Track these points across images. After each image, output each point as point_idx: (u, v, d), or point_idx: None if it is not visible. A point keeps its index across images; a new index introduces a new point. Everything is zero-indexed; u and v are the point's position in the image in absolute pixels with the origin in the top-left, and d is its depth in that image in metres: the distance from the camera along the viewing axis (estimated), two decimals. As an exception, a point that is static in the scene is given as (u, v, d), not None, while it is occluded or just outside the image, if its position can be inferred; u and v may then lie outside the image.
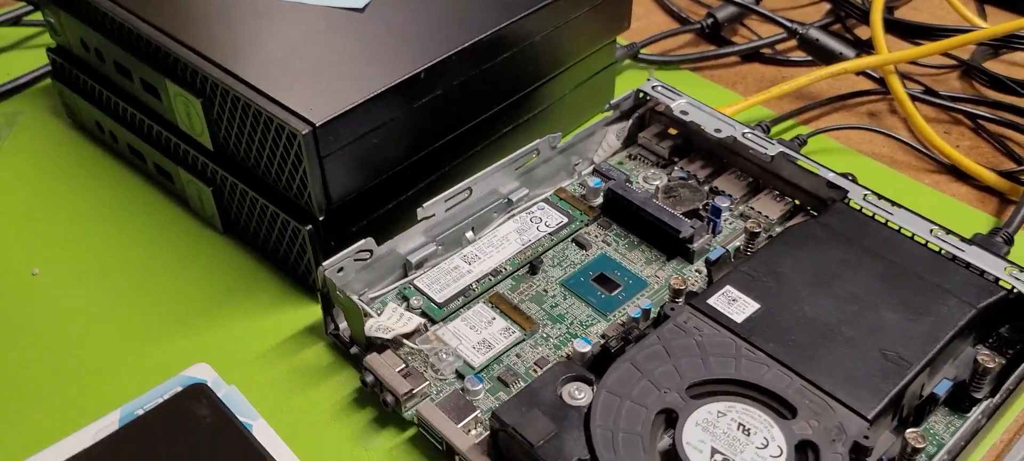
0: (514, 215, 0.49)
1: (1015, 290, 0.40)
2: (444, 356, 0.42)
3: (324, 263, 0.41)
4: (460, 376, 0.41)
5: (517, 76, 0.51)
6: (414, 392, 0.39)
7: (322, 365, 0.44)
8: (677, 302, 0.41)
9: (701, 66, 0.65)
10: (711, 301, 0.40)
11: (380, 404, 0.40)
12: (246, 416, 0.40)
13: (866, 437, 0.34)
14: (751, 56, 0.65)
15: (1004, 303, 0.40)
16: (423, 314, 0.44)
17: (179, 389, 0.40)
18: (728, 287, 0.41)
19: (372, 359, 0.40)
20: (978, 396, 0.38)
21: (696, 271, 0.46)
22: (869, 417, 0.35)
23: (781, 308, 0.40)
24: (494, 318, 0.43)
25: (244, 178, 0.46)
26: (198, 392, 0.40)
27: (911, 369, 0.37)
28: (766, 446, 0.34)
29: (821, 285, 0.41)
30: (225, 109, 0.45)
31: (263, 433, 0.39)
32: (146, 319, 0.46)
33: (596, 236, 0.48)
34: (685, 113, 0.51)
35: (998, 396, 0.37)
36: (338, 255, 0.42)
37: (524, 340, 0.43)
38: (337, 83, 0.43)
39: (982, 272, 0.41)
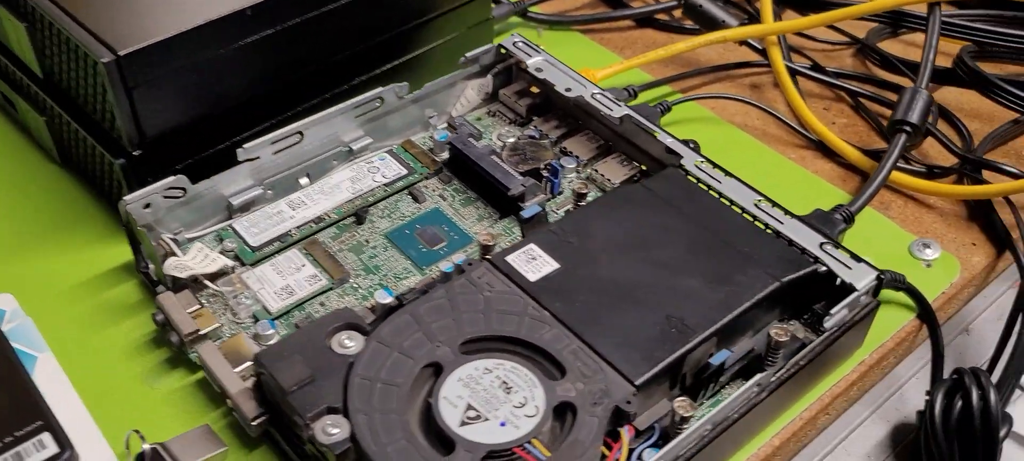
0: (352, 164, 0.48)
1: (825, 266, 0.39)
2: (243, 300, 0.41)
3: (126, 197, 0.40)
4: (257, 320, 0.40)
5: (370, 22, 0.50)
6: (201, 333, 0.39)
7: (129, 303, 0.43)
8: (486, 259, 0.40)
9: (593, 28, 0.63)
10: (509, 258, 0.39)
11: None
12: (32, 348, 0.39)
13: (628, 402, 0.34)
14: (645, 21, 0.64)
15: (813, 278, 0.39)
16: (236, 257, 0.43)
17: (-33, 316, 0.40)
18: (532, 245, 0.40)
19: (165, 298, 0.40)
20: (769, 371, 0.37)
21: (526, 230, 0.45)
22: (636, 383, 0.34)
23: (579, 269, 0.39)
24: (304, 265, 0.42)
25: (68, 108, 0.45)
26: (-19, 320, 0.39)
27: (692, 338, 0.36)
28: (523, 405, 0.33)
29: (628, 249, 0.40)
30: (45, 35, 0.44)
31: (46, 367, 0.39)
32: (-36, 247, 0.45)
33: (434, 190, 0.47)
34: (540, 70, 0.50)
35: (781, 371, 0.36)
36: (143, 190, 0.41)
37: (331, 289, 0.42)
38: (156, 13, 0.42)
39: (802, 249, 0.40)
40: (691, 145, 0.46)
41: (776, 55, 0.56)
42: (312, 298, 0.41)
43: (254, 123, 0.47)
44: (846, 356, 0.41)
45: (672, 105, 0.53)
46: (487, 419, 0.33)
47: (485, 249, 0.41)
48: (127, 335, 0.41)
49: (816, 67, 0.59)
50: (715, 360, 0.36)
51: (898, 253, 0.46)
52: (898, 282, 0.43)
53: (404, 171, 0.47)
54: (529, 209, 0.42)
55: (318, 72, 0.49)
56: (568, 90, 0.49)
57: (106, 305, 0.43)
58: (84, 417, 0.37)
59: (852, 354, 0.41)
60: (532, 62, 0.50)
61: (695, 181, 0.44)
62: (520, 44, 0.51)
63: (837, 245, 0.40)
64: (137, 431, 0.36)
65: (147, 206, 0.41)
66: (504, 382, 0.34)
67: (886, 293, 0.43)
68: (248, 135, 0.47)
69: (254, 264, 0.43)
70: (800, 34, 0.62)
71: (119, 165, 0.43)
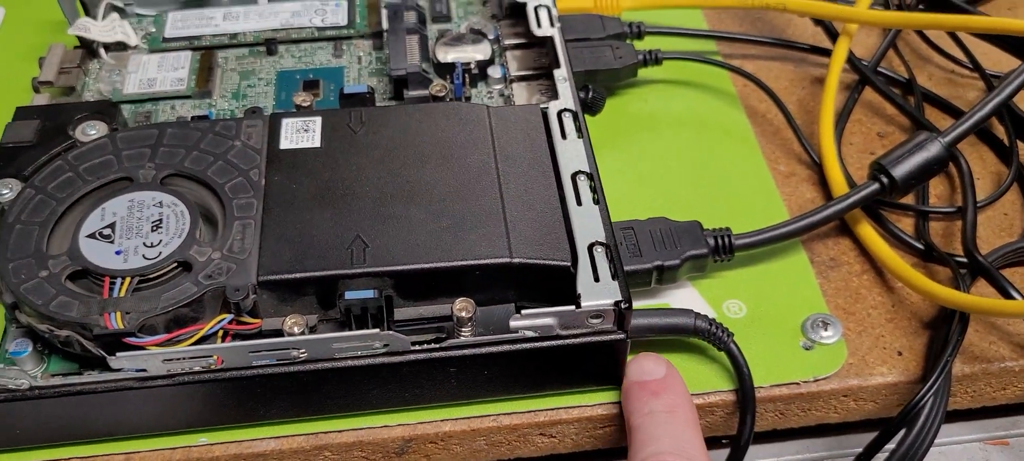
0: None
1: (571, 266, 0.32)
2: (115, 76, 0.43)
3: (69, -52, 0.45)
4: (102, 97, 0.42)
5: None
6: (48, 81, 0.42)
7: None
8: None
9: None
10: (285, 120, 0.37)
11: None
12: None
13: (238, 290, 0.31)
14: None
15: (563, 276, 0.32)
16: (147, 40, 0.45)
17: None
18: (318, 118, 0.37)
19: (55, 46, 0.43)
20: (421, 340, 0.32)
21: (399, 119, 0.42)
22: (259, 279, 0.31)
23: (333, 158, 0.35)
24: (183, 67, 0.44)
25: None
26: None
27: (356, 266, 0.31)
28: (152, 247, 0.32)
29: (399, 159, 0.35)
30: None
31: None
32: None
33: (358, 50, 0.45)
34: (519, -35, 0.45)
35: (431, 347, 0.31)
36: (91, -53, 0.45)
37: (187, 97, 0.43)
38: None
39: (571, 240, 0.33)
40: (590, 94, 0.39)
41: (841, 47, 0.44)
42: (165, 98, 0.43)
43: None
44: (586, 385, 0.33)
45: (663, 59, 0.45)
46: (112, 242, 0.33)
47: (298, 108, 0.40)
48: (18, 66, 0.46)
49: (907, 86, 0.46)
50: (350, 295, 0.31)
51: (785, 320, 0.36)
52: (715, 337, 0.33)
53: (344, 22, 0.46)
54: (352, 87, 0.39)
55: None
56: (523, -9, 0.43)
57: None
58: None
59: (600, 387, 0.33)
60: (529, -47, 0.45)
61: (545, 128, 0.37)
62: (522, -67, 0.46)
63: (612, 253, 0.32)
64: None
65: (94, -31, 0.45)
66: (160, 220, 0.33)
67: (711, 350, 0.34)
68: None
69: (152, 52, 0.45)
70: (930, 43, 0.48)
71: (94, -75, 0.47)
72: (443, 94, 0.40)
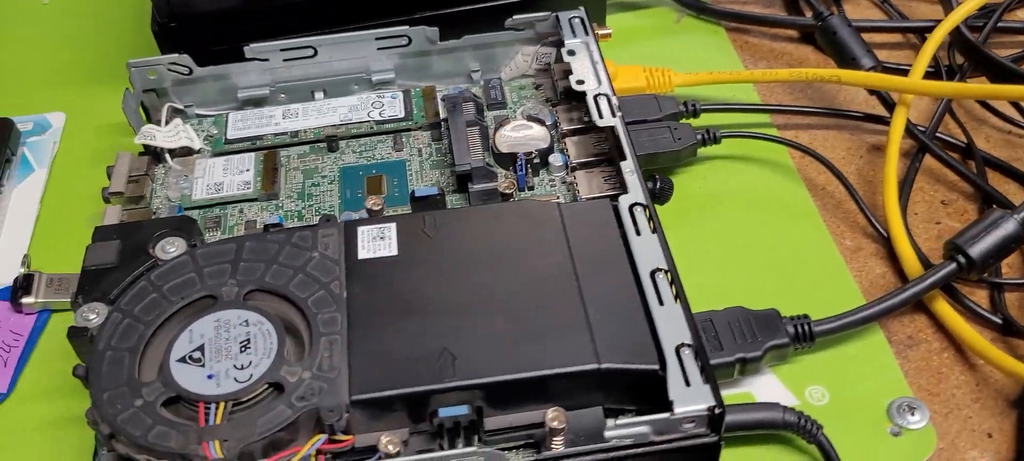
0: (362, 94, 0.48)
1: (660, 370, 0.32)
2: (183, 182, 0.44)
3: (131, 60, 0.45)
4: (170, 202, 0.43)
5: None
6: (119, 192, 0.42)
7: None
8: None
9: (746, 29, 0.55)
10: (361, 228, 0.37)
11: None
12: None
13: (332, 411, 0.31)
14: (808, 38, 0.54)
15: (652, 380, 0.32)
16: (211, 143, 0.46)
17: None
18: (392, 225, 0.37)
19: (121, 155, 0.44)
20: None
21: (465, 213, 0.42)
22: (352, 398, 0.32)
23: (411, 266, 0.36)
24: (248, 169, 0.44)
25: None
26: None
27: (446, 381, 0.32)
28: (243, 368, 0.33)
29: (474, 264, 0.36)
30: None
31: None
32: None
33: (417, 143, 0.46)
34: (573, 53, 0.45)
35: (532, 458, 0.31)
36: (149, 58, 0.46)
37: (255, 200, 0.43)
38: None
39: (657, 342, 0.33)
40: (657, 184, 0.39)
41: (899, 117, 0.45)
42: (234, 202, 0.43)
43: (298, 29, 0.49)
44: (681, 486, 0.33)
45: (721, 137, 0.45)
46: (203, 365, 0.33)
47: (370, 213, 0.40)
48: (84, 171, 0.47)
49: (967, 151, 0.46)
50: (443, 412, 0.31)
51: (869, 405, 0.36)
52: (805, 430, 0.33)
53: (402, 115, 0.47)
54: (423, 190, 0.40)
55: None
56: (580, 82, 0.44)
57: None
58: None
59: (691, 486, 0.33)
60: (570, 43, 0.46)
61: (617, 223, 0.37)
62: (575, 19, 0.47)
63: (701, 354, 0.32)
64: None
65: (153, 75, 0.46)
66: (248, 340, 0.33)
67: (799, 441, 0.34)
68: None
69: (217, 154, 0.45)
70: (988, 106, 0.48)
71: (153, 31, 0.48)
72: (510, 191, 0.40)
